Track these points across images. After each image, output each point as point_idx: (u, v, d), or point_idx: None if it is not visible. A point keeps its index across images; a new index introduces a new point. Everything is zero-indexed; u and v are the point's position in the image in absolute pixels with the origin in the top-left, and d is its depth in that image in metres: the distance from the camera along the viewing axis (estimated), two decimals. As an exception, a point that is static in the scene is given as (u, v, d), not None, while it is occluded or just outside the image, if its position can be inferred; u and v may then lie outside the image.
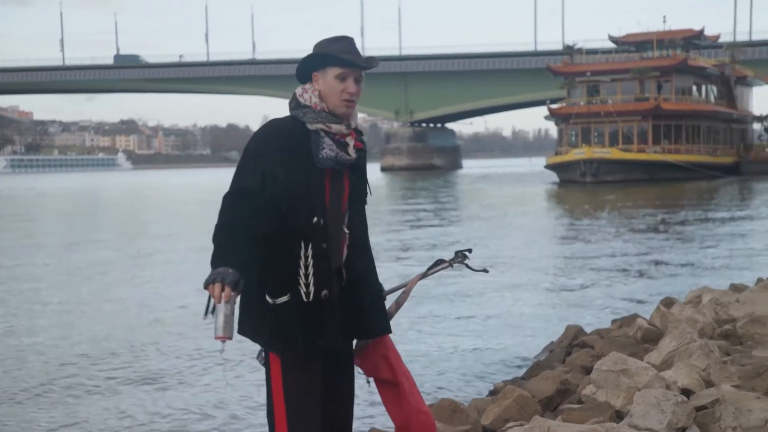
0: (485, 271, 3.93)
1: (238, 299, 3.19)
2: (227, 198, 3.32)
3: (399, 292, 3.77)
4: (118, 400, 7.09)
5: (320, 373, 3.42)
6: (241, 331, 3.44)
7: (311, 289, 3.30)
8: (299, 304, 3.31)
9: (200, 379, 7.70)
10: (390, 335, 3.62)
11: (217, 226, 3.28)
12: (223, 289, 3.09)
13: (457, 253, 3.83)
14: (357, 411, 3.75)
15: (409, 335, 9.22)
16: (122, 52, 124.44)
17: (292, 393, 3.36)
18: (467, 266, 3.82)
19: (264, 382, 3.47)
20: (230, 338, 3.12)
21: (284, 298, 3.31)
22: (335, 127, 3.37)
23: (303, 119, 3.38)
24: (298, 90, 3.46)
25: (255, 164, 3.30)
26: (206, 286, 3.12)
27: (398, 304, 3.76)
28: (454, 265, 3.79)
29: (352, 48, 3.42)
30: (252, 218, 3.24)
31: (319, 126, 3.36)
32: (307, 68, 3.44)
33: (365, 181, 3.56)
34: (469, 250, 3.84)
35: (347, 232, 3.45)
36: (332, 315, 3.37)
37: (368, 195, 3.58)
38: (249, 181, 3.29)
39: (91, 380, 7.70)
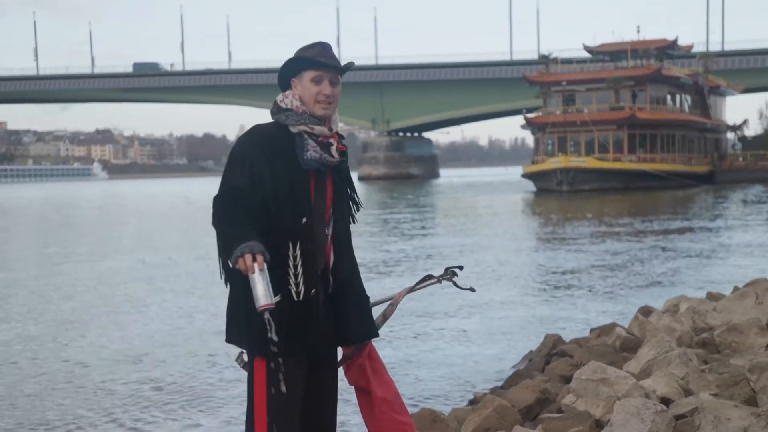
0: (472, 290, 3.93)
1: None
2: (219, 199, 3.34)
3: (386, 304, 3.78)
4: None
5: (303, 381, 3.42)
6: (228, 338, 3.46)
7: (301, 288, 3.34)
8: (290, 304, 3.33)
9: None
10: (373, 344, 3.64)
11: (216, 223, 3.29)
12: (254, 259, 3.09)
13: (447, 269, 3.84)
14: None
15: (389, 344, 9.21)
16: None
17: (274, 401, 3.35)
18: (455, 284, 3.82)
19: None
20: (273, 305, 3.13)
21: (276, 299, 3.31)
22: (318, 129, 3.42)
23: (285, 122, 3.43)
24: (279, 96, 3.51)
25: (242, 166, 3.34)
26: (235, 261, 3.11)
27: (385, 316, 3.79)
28: (442, 281, 3.78)
29: (327, 52, 3.48)
30: (247, 216, 3.26)
31: (302, 128, 3.41)
32: (285, 75, 3.51)
33: (351, 186, 3.60)
34: (460, 267, 3.85)
35: (329, 234, 3.47)
36: (320, 313, 3.41)
37: (358, 205, 3.62)
38: (238, 181, 3.32)
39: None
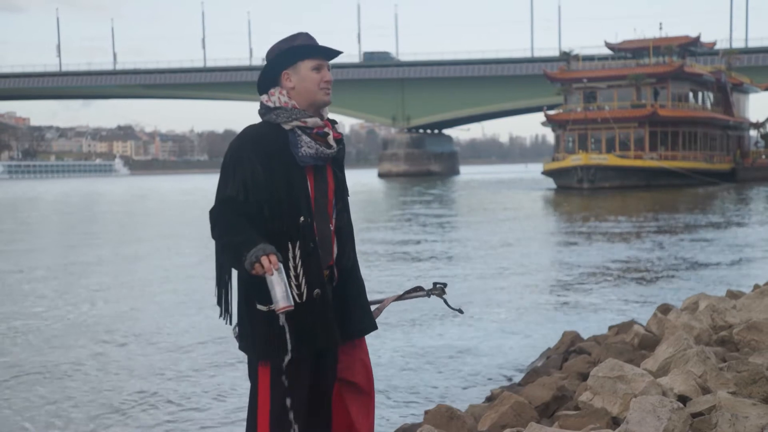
0: (460, 311, 3.88)
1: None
2: (216, 211, 3.30)
3: (373, 308, 3.67)
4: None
5: (308, 383, 3.39)
6: (240, 345, 3.44)
7: (303, 289, 3.28)
8: (294, 307, 3.27)
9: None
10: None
11: (218, 236, 3.26)
12: (269, 260, 3.09)
13: (435, 284, 3.77)
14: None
15: (405, 340, 9.22)
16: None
17: (277, 409, 3.32)
18: (445, 302, 3.77)
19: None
20: (292, 307, 3.13)
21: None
22: (311, 121, 3.36)
23: (277, 121, 3.36)
24: (264, 97, 3.44)
25: (234, 173, 3.29)
26: (252, 267, 3.10)
27: None
28: (431, 295, 3.74)
29: (314, 40, 3.43)
30: (248, 223, 3.23)
31: (295, 123, 3.34)
32: (274, 72, 3.41)
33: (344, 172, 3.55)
34: (445, 284, 3.78)
35: (333, 228, 3.43)
36: (326, 314, 3.35)
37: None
38: (230, 191, 3.28)
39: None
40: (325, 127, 3.38)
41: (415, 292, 3.75)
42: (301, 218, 3.30)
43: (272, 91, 3.41)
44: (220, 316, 3.46)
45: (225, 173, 3.32)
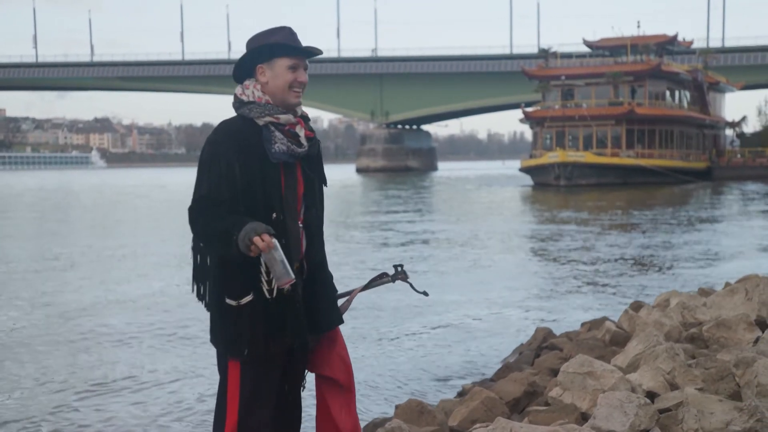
0: (425, 293, 3.88)
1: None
2: (193, 210, 3.29)
3: (342, 300, 3.67)
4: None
5: (278, 380, 3.40)
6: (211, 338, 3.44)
7: (274, 285, 3.26)
8: (263, 302, 3.28)
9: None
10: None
11: (201, 229, 3.26)
12: (262, 239, 3.09)
13: (395, 267, 3.76)
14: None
15: (380, 336, 9.23)
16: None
17: (246, 403, 3.32)
18: (411, 285, 3.76)
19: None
20: (294, 280, 3.16)
21: (248, 298, 3.28)
22: (283, 118, 3.34)
23: (250, 115, 3.33)
24: (238, 89, 3.41)
25: (210, 170, 3.28)
26: (248, 249, 3.10)
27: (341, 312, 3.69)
28: (395, 280, 3.73)
29: (295, 37, 3.38)
30: (229, 212, 3.24)
31: (268, 119, 3.32)
32: (250, 63, 3.37)
33: (321, 169, 3.52)
34: (401, 266, 3.77)
35: (301, 225, 3.42)
36: (296, 310, 3.35)
37: (324, 184, 3.56)
38: (206, 188, 3.27)
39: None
40: (297, 125, 3.37)
41: (380, 279, 3.73)
42: (274, 215, 3.29)
43: (247, 83, 3.39)
44: (206, 307, 3.44)
45: (202, 169, 3.31)
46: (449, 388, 7.18)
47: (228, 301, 3.29)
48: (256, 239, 3.07)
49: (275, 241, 3.12)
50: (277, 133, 3.32)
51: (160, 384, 7.41)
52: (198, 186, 3.30)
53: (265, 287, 3.26)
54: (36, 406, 6.82)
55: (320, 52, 3.41)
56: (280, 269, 3.11)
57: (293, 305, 3.34)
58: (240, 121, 3.34)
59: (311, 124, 3.52)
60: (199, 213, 3.26)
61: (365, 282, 3.73)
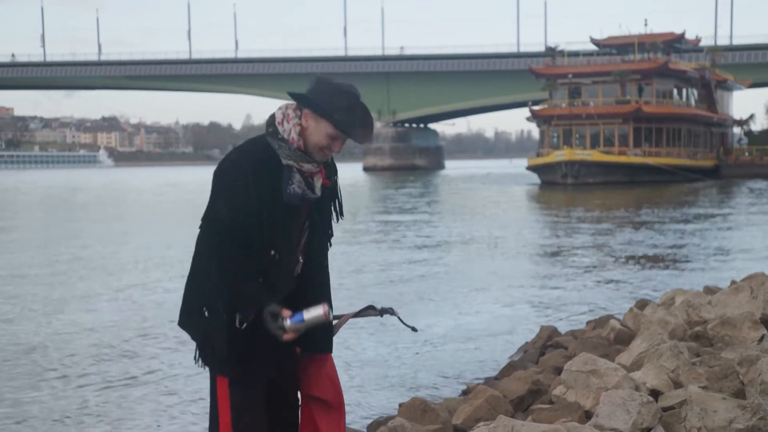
0: (414, 329, 3.87)
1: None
2: (210, 235, 3.30)
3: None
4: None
5: (265, 398, 3.42)
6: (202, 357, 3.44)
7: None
8: (252, 330, 3.31)
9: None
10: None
11: (221, 267, 3.27)
12: (282, 315, 3.24)
13: (383, 308, 3.75)
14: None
15: (386, 335, 9.23)
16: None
17: (239, 411, 3.36)
18: (400, 320, 3.76)
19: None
20: (329, 310, 3.34)
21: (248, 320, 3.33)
22: (306, 167, 3.34)
23: (278, 152, 3.33)
24: (278, 114, 3.38)
25: (232, 196, 3.27)
26: (281, 336, 3.25)
27: None
28: (383, 315, 3.74)
29: (354, 117, 3.34)
30: (247, 260, 3.28)
31: (291, 163, 3.32)
32: (306, 102, 3.34)
33: (329, 219, 3.55)
34: (392, 308, 3.76)
35: (302, 261, 3.45)
36: (287, 344, 3.36)
37: (340, 218, 3.60)
38: (227, 214, 3.27)
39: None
40: (317, 173, 3.38)
41: (369, 311, 3.70)
42: (272, 252, 3.32)
43: (290, 113, 3.36)
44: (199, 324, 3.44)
45: (220, 190, 3.31)
46: (454, 387, 7.18)
47: (236, 322, 3.32)
48: (286, 337, 3.25)
49: (301, 314, 3.28)
50: (297, 175, 3.32)
51: (176, 378, 7.44)
52: (216, 204, 3.30)
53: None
54: (61, 402, 6.88)
55: (365, 140, 3.46)
56: (315, 321, 3.31)
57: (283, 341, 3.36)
58: (265, 153, 3.33)
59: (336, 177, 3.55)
60: (219, 245, 3.27)
61: (357, 310, 3.71)
